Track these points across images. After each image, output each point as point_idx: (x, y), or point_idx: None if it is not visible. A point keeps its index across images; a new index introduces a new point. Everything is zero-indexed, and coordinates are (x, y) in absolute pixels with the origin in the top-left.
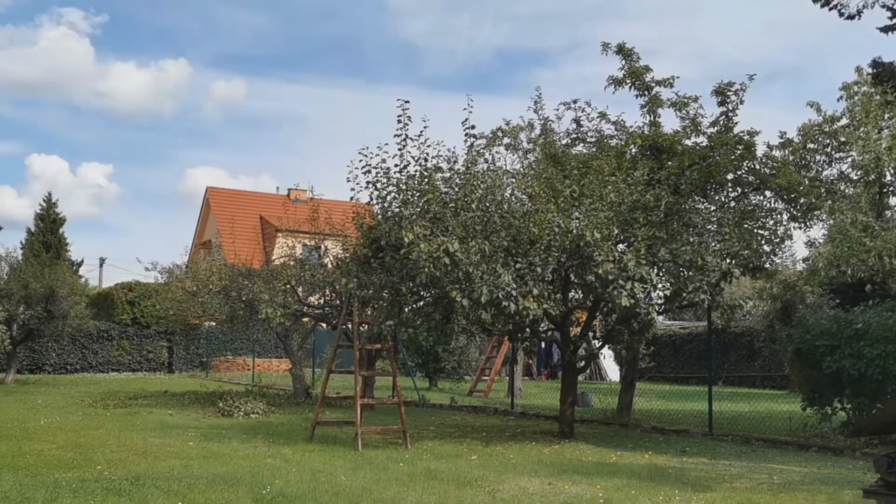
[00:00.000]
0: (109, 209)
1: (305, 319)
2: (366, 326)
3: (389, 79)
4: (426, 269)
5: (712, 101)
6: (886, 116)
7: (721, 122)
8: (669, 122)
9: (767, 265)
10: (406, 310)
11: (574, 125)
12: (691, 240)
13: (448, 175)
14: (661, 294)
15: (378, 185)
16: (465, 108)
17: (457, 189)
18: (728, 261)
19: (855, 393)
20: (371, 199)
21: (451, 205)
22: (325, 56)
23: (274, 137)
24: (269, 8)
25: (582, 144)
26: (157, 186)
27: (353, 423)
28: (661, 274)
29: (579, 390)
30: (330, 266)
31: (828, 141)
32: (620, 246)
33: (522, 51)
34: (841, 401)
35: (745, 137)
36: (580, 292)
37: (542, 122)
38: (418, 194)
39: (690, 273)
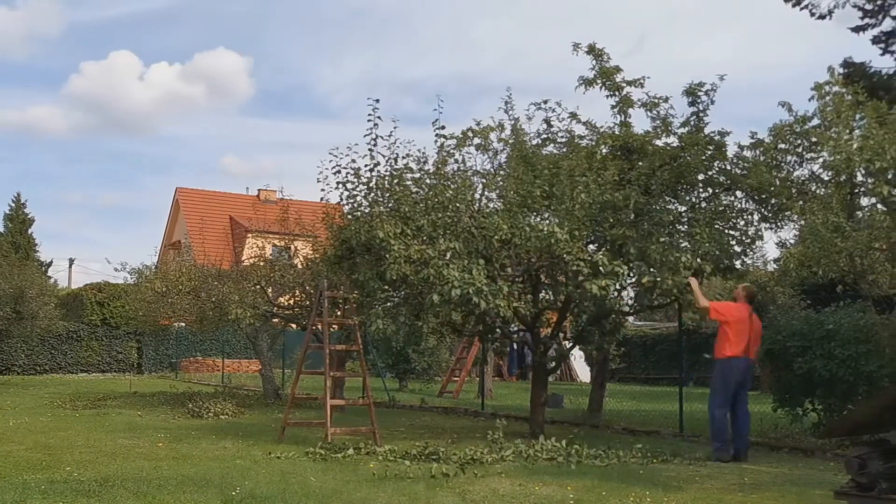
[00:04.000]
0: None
1: (275, 320)
2: (336, 327)
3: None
4: (396, 267)
5: (683, 101)
6: (857, 117)
7: (692, 123)
8: (640, 122)
9: (738, 265)
10: (378, 308)
11: (544, 125)
12: (662, 239)
13: (418, 175)
14: (631, 295)
15: (348, 186)
16: (434, 109)
17: (426, 189)
18: (699, 261)
19: (826, 394)
20: (341, 199)
21: (420, 204)
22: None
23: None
24: None
25: (552, 145)
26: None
27: (322, 423)
28: (631, 273)
29: (550, 391)
30: (300, 267)
31: (799, 141)
32: (591, 247)
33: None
34: (812, 402)
35: (716, 138)
36: (550, 293)
37: (513, 122)
38: (388, 193)
39: (662, 272)
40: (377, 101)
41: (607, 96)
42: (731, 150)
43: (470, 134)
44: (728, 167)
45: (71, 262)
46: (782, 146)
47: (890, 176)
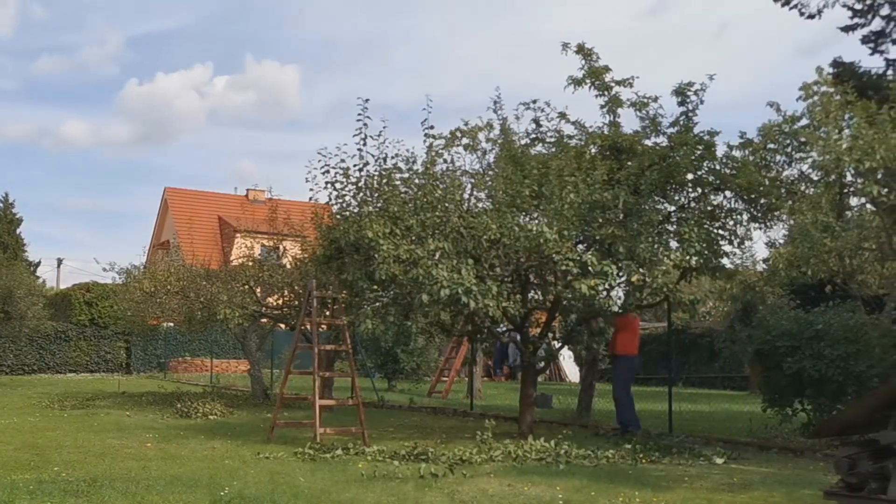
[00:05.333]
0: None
1: (264, 320)
2: (324, 327)
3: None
4: (385, 267)
5: (672, 101)
6: (847, 116)
7: (681, 122)
8: (629, 122)
9: (728, 265)
10: (367, 308)
11: (533, 125)
12: (650, 239)
13: (407, 175)
14: (620, 294)
15: (336, 185)
16: (423, 108)
17: (416, 189)
18: (688, 258)
19: (815, 394)
20: (330, 199)
21: (409, 204)
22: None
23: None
24: None
25: (541, 145)
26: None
27: (311, 424)
28: (620, 273)
29: (539, 391)
30: (289, 266)
31: (788, 141)
32: (580, 246)
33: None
34: (801, 402)
35: (706, 137)
36: (539, 293)
37: (501, 122)
38: (377, 193)
39: (651, 271)
40: (367, 100)
41: (596, 96)
42: (720, 150)
43: (458, 134)
44: (717, 167)
45: (59, 262)
46: (771, 146)
47: (879, 176)
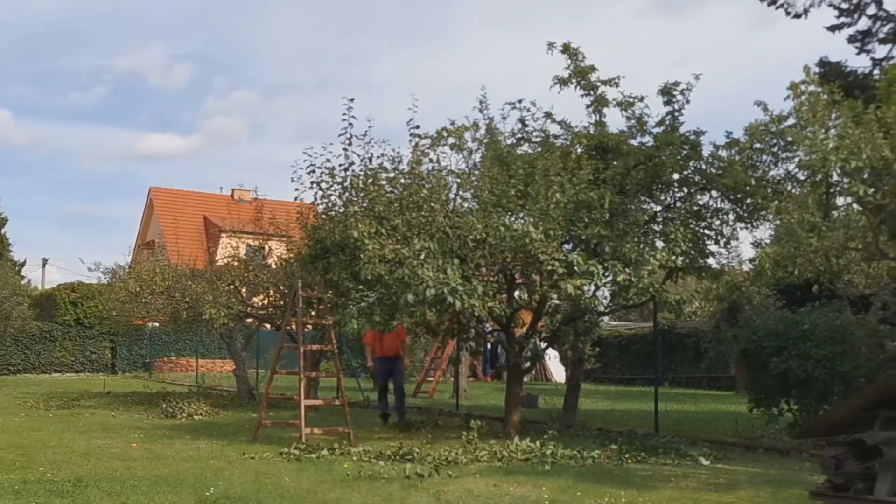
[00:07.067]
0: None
1: (249, 320)
2: (310, 327)
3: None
4: (370, 266)
5: (658, 100)
6: (833, 116)
7: (667, 122)
8: (615, 121)
9: (714, 265)
10: (353, 308)
11: (519, 125)
12: (636, 239)
13: (392, 175)
14: (606, 294)
15: (322, 185)
16: (409, 108)
17: (401, 189)
18: (674, 258)
19: (802, 394)
20: (315, 198)
21: (395, 204)
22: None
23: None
24: None
25: (527, 144)
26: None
27: (297, 424)
28: (605, 273)
29: (525, 391)
30: (274, 266)
31: (774, 140)
32: (565, 246)
33: None
34: (788, 402)
35: (692, 137)
36: (525, 292)
37: (487, 121)
38: (363, 193)
39: (637, 271)
40: (352, 99)
41: (582, 95)
42: (706, 150)
43: (444, 133)
44: (703, 167)
45: (44, 262)
46: (758, 145)
47: (865, 175)
